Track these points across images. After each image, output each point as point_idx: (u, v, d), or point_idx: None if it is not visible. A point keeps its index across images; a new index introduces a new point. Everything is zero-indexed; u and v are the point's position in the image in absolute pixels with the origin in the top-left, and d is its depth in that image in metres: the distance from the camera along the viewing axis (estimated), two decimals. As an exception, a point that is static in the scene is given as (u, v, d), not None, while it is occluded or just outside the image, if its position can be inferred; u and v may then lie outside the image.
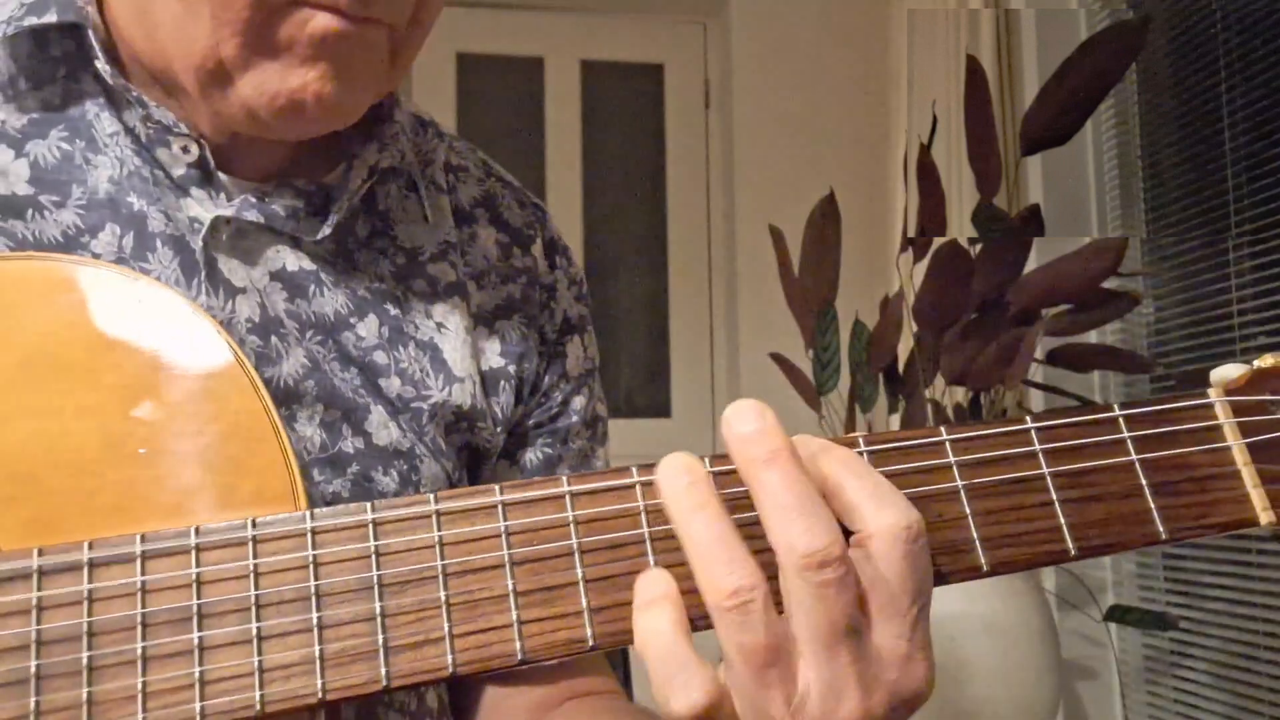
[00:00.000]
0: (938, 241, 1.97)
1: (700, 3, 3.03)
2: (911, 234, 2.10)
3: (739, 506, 0.42)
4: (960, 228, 2.28)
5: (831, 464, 0.42)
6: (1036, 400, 2.33)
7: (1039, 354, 2.01)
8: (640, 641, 0.41)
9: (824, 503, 0.41)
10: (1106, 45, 1.86)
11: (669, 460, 0.42)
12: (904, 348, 2.09)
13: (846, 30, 2.93)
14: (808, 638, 0.40)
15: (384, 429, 0.60)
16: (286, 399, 0.57)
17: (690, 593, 0.41)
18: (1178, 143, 2.33)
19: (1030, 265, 2.02)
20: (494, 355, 0.67)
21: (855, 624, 0.40)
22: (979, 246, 2.00)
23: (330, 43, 0.52)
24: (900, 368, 2.13)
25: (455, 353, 0.64)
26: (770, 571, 0.41)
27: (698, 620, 0.42)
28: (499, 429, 0.67)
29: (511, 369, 0.67)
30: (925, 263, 2.01)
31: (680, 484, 0.42)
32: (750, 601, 0.39)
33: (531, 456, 0.70)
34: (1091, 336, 2.33)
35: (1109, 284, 1.96)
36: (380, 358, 0.61)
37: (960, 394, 2.11)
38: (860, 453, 0.45)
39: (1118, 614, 2.10)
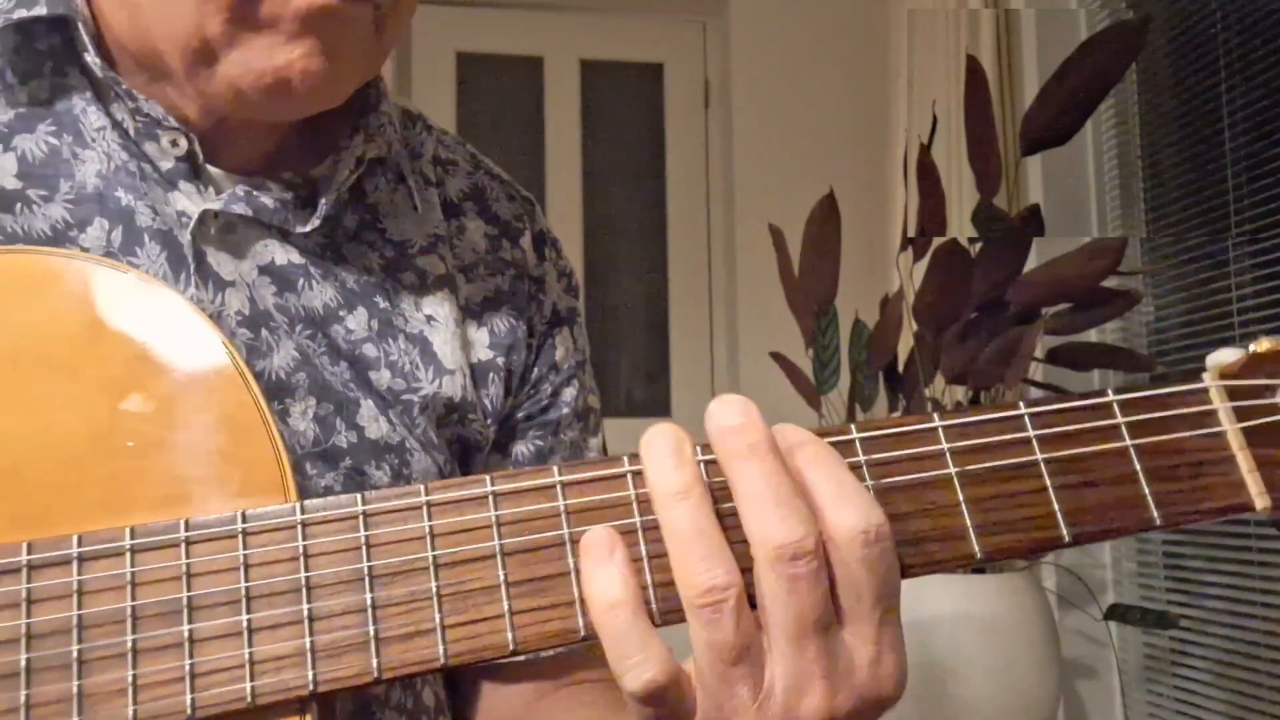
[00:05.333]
0: (938, 241, 1.97)
1: (700, 2, 3.03)
2: (911, 234, 2.10)
3: (722, 497, 0.42)
4: (960, 228, 2.28)
5: (804, 459, 0.42)
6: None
7: (1039, 353, 2.01)
8: (595, 614, 0.41)
9: (800, 497, 0.40)
10: (1106, 45, 1.86)
11: (658, 437, 0.42)
12: (904, 347, 2.09)
13: (846, 30, 2.93)
14: (777, 631, 0.40)
15: (374, 423, 0.60)
16: (278, 392, 0.57)
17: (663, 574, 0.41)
18: (1178, 143, 2.33)
19: (1030, 264, 2.02)
20: (483, 347, 0.67)
21: (825, 620, 0.40)
22: (979, 246, 2.00)
23: (315, 18, 0.51)
24: (900, 367, 2.13)
25: (445, 345, 0.64)
26: (745, 564, 0.40)
27: (669, 614, 0.41)
28: (490, 421, 0.67)
29: (500, 361, 0.67)
30: (925, 262, 2.01)
31: (666, 465, 0.41)
32: (723, 601, 0.39)
33: (523, 449, 0.70)
34: (1091, 335, 2.33)
35: (1109, 283, 1.96)
36: (370, 350, 0.61)
37: (960, 393, 2.11)
38: (853, 440, 0.44)
39: (1118, 613, 2.10)
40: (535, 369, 0.70)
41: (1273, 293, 2.05)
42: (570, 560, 0.43)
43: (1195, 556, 2.27)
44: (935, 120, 2.25)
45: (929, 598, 1.93)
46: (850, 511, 0.40)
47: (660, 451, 0.42)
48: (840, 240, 2.09)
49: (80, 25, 0.55)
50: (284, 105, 0.54)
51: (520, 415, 0.70)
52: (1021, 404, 0.45)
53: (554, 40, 3.02)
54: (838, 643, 0.40)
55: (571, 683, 0.66)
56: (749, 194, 2.88)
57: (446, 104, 2.93)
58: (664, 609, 0.42)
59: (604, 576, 0.41)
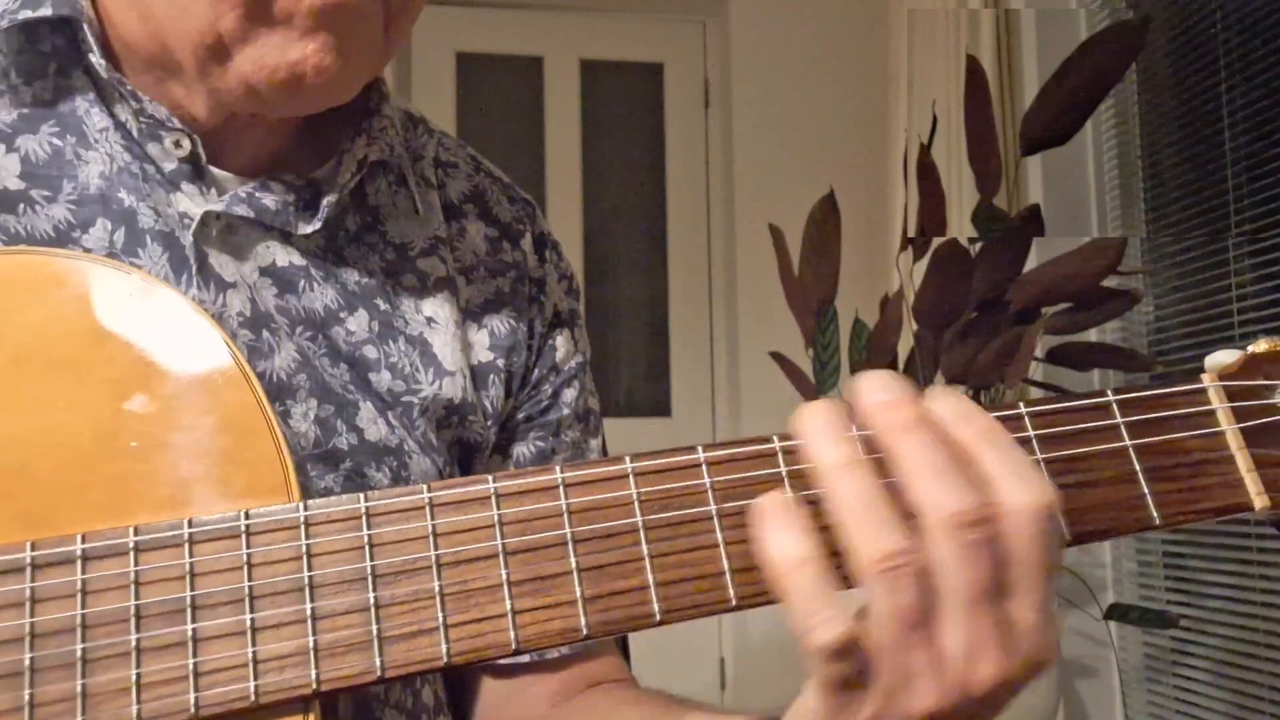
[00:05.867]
0: (938, 241, 1.97)
1: (700, 2, 3.03)
2: (911, 234, 2.10)
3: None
4: (960, 228, 2.28)
5: (975, 433, 0.43)
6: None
7: (1039, 352, 2.01)
8: (782, 573, 0.41)
9: (969, 467, 0.41)
10: (1106, 45, 1.86)
11: (814, 413, 0.43)
12: (904, 347, 2.09)
13: (846, 30, 2.93)
14: (953, 599, 0.40)
15: (374, 425, 0.60)
16: (279, 393, 0.57)
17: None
18: (1178, 143, 2.33)
19: (1030, 264, 2.02)
20: (483, 349, 0.67)
21: (998, 588, 0.41)
22: (979, 246, 2.00)
23: (329, 13, 0.52)
24: (900, 367, 2.13)
25: (445, 347, 0.64)
26: None
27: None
28: (490, 423, 0.67)
29: (501, 363, 0.67)
30: (925, 262, 2.01)
31: (830, 438, 0.42)
32: (906, 565, 0.40)
33: (524, 450, 0.70)
34: (1091, 335, 2.33)
35: (1109, 283, 1.96)
36: (370, 352, 0.61)
37: (960, 393, 2.11)
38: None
39: (1118, 612, 2.10)
40: (536, 370, 0.70)
41: (1273, 293, 2.05)
42: (573, 559, 0.43)
43: (1195, 556, 2.27)
44: (935, 120, 2.25)
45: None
46: (1028, 487, 0.41)
47: (821, 425, 0.43)
48: (840, 240, 2.08)
49: (85, 26, 0.55)
50: (296, 101, 0.55)
51: (520, 416, 0.70)
52: (1021, 404, 0.46)
53: (554, 40, 3.02)
54: (1008, 610, 0.41)
55: (591, 681, 0.66)
56: (749, 194, 2.88)
57: (446, 104, 2.93)
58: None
59: (787, 536, 0.41)
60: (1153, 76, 2.42)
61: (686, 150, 3.06)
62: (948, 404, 0.44)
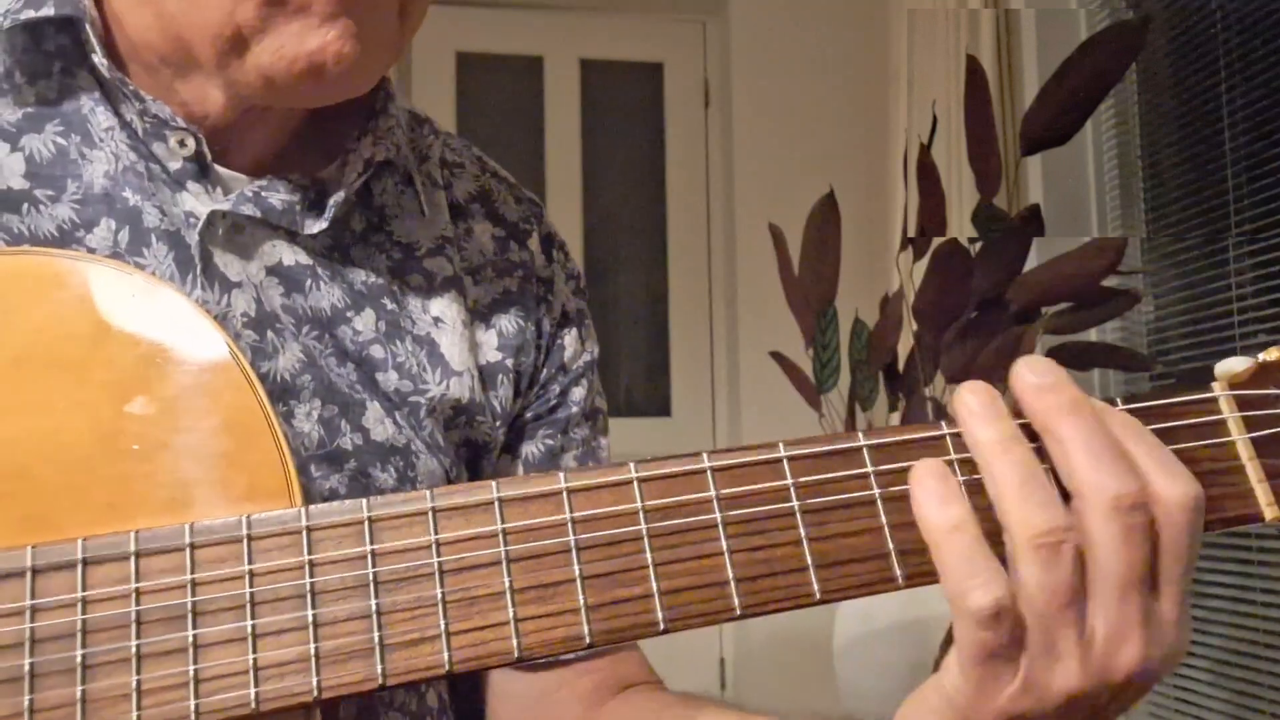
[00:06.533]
0: (937, 241, 1.97)
1: (700, 2, 3.03)
2: (911, 234, 2.10)
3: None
4: (960, 227, 2.27)
5: (1119, 426, 0.43)
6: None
7: (1039, 352, 2.01)
8: (941, 535, 0.42)
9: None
10: (1106, 45, 1.85)
11: (974, 392, 0.44)
12: (904, 346, 2.09)
13: (846, 30, 2.93)
14: (1105, 582, 0.41)
15: (380, 424, 0.60)
16: (283, 394, 0.57)
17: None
18: (1178, 143, 2.32)
19: (1030, 264, 2.02)
20: (491, 349, 0.67)
21: (1148, 576, 0.41)
22: (979, 246, 2.00)
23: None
24: (900, 366, 2.13)
25: (453, 347, 0.64)
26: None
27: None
28: (498, 423, 0.67)
29: (509, 362, 0.67)
30: (925, 261, 2.01)
31: (989, 415, 0.43)
32: (1064, 541, 0.40)
33: (532, 449, 0.70)
34: (1091, 335, 2.32)
35: (1109, 283, 1.96)
36: (377, 352, 0.61)
37: (960, 393, 2.10)
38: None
39: (1118, 613, 2.09)
40: (544, 370, 0.70)
41: (1273, 292, 2.04)
42: (576, 567, 0.43)
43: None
44: (935, 120, 2.25)
45: (929, 598, 1.93)
46: (1180, 480, 0.42)
47: (980, 403, 0.43)
48: (840, 240, 2.08)
49: (87, 26, 0.55)
50: (315, 91, 0.54)
51: (529, 415, 0.70)
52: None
53: (554, 40, 3.02)
54: (1154, 600, 0.42)
55: (624, 683, 0.66)
56: (749, 194, 2.88)
57: (446, 104, 2.93)
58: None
59: (944, 500, 0.42)
60: (1153, 76, 2.42)
61: (686, 150, 3.06)
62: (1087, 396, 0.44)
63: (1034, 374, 0.44)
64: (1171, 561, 0.42)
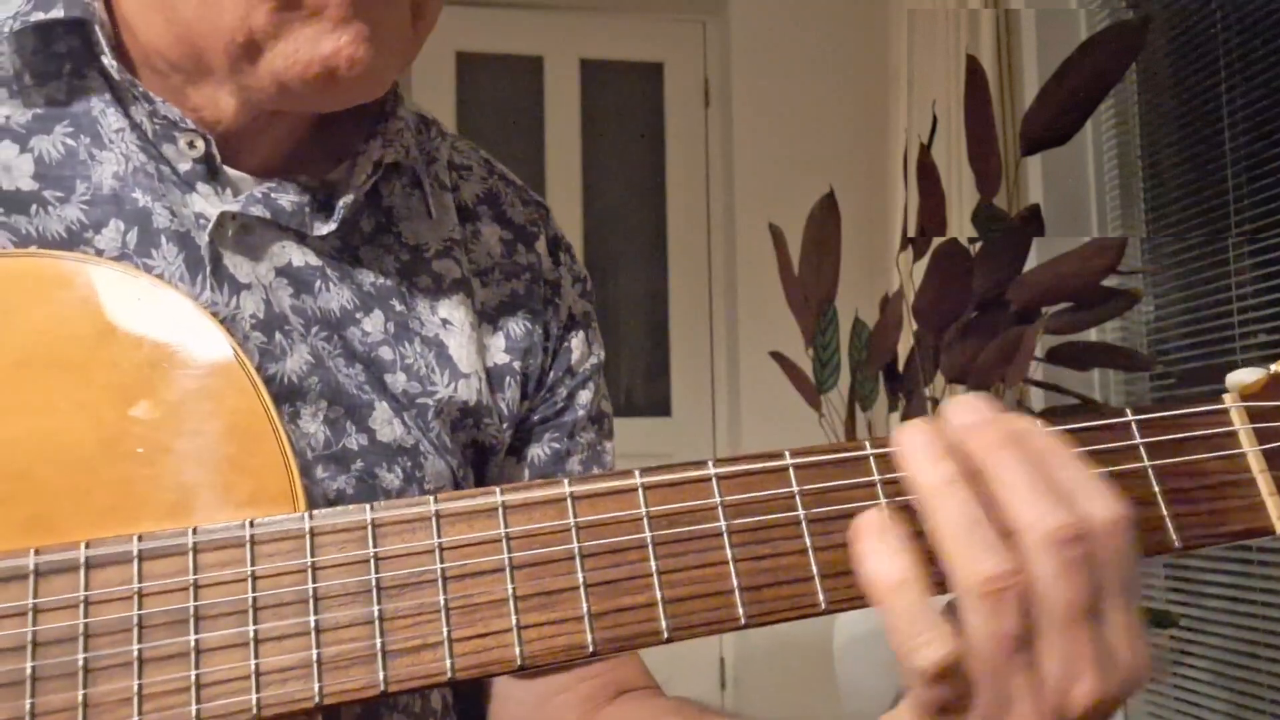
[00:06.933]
0: (937, 241, 1.96)
1: (700, 2, 3.03)
2: (911, 233, 2.10)
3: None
4: (960, 227, 2.27)
5: (1046, 455, 0.42)
6: (1037, 398, 2.33)
7: (1039, 352, 2.01)
8: (884, 592, 0.40)
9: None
10: (1106, 45, 1.85)
11: (914, 433, 0.43)
12: (904, 346, 2.09)
13: (846, 30, 2.93)
14: (1050, 619, 0.40)
15: (388, 425, 0.60)
16: (290, 395, 0.57)
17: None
18: (1178, 143, 2.32)
19: (1030, 264, 2.02)
20: (499, 351, 0.67)
21: (1093, 607, 0.40)
22: (979, 246, 1.99)
23: (361, 2, 0.52)
24: (900, 366, 2.13)
25: (461, 349, 0.64)
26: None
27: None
28: (505, 425, 0.67)
29: (517, 365, 0.67)
30: (925, 261, 2.01)
31: (930, 457, 0.42)
32: (1009, 588, 0.39)
33: (538, 452, 0.70)
34: (1091, 334, 2.32)
35: (1109, 282, 1.96)
36: (386, 353, 0.61)
37: (960, 392, 2.11)
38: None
39: (1118, 614, 2.09)
40: (551, 373, 0.70)
41: (1273, 292, 2.04)
42: (580, 575, 0.42)
43: (1195, 557, 2.27)
44: (935, 120, 2.25)
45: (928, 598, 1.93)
46: (1107, 501, 0.41)
47: (919, 445, 0.42)
48: (840, 240, 2.08)
49: (97, 28, 0.55)
50: (329, 95, 0.54)
51: (535, 418, 0.70)
52: (1039, 423, 0.45)
53: (554, 40, 3.02)
54: (1102, 630, 0.41)
55: (621, 689, 0.66)
56: (749, 194, 2.88)
57: (446, 104, 2.93)
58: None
59: (886, 555, 0.41)
60: (1153, 76, 2.42)
61: (686, 150, 3.06)
62: (1015, 421, 0.43)
63: (960, 414, 0.43)
64: (1112, 586, 0.41)
